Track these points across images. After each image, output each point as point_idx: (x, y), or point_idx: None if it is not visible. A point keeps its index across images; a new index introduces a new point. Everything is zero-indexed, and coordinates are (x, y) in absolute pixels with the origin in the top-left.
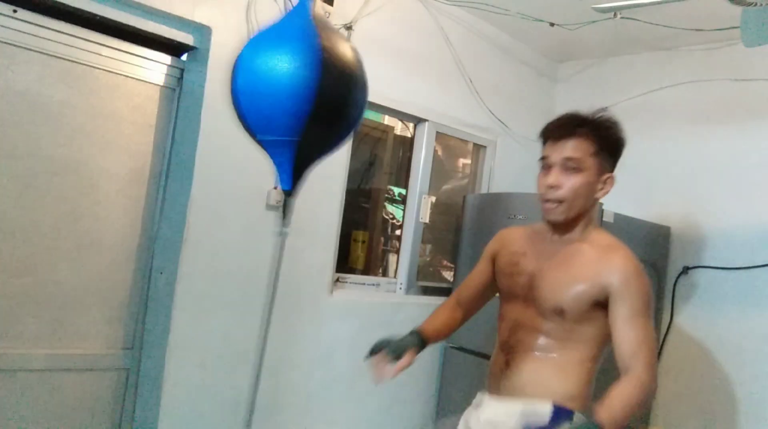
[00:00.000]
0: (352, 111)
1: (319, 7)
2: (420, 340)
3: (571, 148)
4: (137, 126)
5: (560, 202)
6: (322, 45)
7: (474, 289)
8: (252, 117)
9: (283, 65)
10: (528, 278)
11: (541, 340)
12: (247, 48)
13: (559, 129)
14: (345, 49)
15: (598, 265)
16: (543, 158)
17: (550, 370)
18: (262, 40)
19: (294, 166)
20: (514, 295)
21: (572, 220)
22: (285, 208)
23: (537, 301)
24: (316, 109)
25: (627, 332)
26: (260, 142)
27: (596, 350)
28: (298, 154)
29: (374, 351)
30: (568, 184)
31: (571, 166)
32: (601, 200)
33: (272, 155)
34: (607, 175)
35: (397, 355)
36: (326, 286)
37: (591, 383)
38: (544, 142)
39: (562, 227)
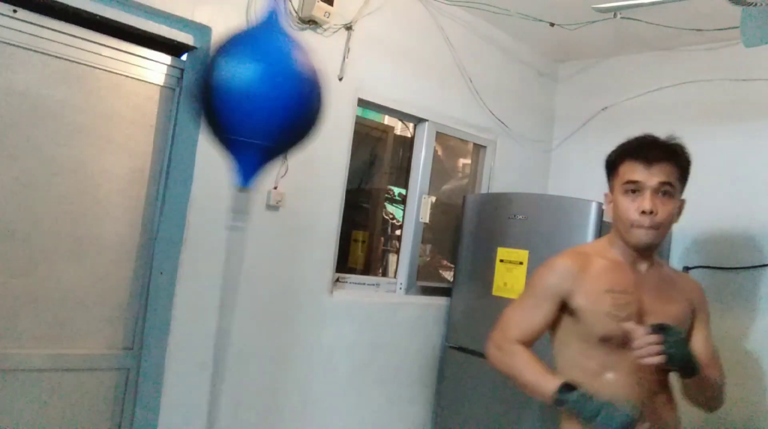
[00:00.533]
0: (319, 120)
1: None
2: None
3: (667, 172)
4: (137, 126)
5: (657, 227)
6: (306, 60)
7: (537, 332)
8: (227, 116)
9: (273, 77)
10: (639, 319)
11: (665, 380)
12: (228, 49)
13: (653, 151)
14: (311, 60)
15: (683, 290)
16: (631, 182)
17: (676, 410)
18: (243, 46)
19: (256, 167)
20: (627, 339)
21: (657, 245)
22: (241, 202)
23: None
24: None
25: (708, 346)
26: (228, 141)
27: None
28: (263, 156)
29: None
30: (664, 209)
31: (665, 192)
32: (600, 200)
33: (237, 154)
34: (682, 200)
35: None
36: (326, 286)
37: None
38: (623, 163)
39: (647, 253)
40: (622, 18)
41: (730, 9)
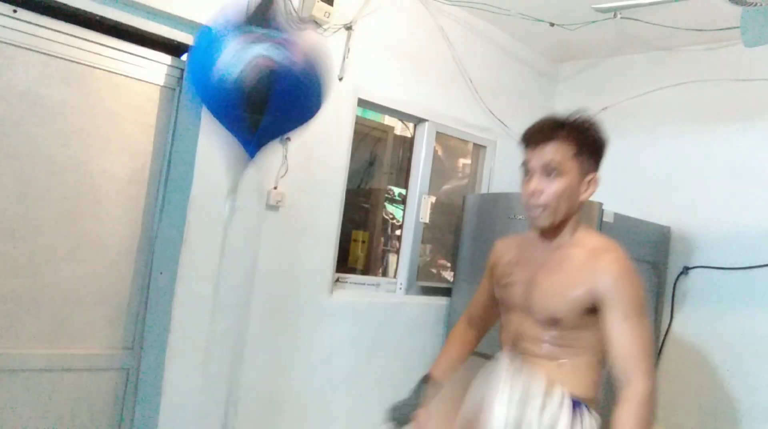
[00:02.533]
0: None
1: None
2: (426, 390)
3: (550, 152)
4: (137, 126)
5: (544, 207)
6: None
7: (482, 305)
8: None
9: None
10: (522, 287)
11: (546, 348)
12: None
13: (537, 134)
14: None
15: (587, 269)
16: (523, 164)
17: (560, 376)
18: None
19: (259, 141)
20: (512, 305)
21: (558, 224)
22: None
23: (533, 311)
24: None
25: (620, 338)
26: (232, 117)
27: (602, 354)
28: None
29: (390, 419)
30: (550, 189)
31: (551, 171)
32: (600, 200)
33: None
34: (591, 176)
35: (402, 423)
36: (326, 286)
37: (600, 387)
38: (525, 148)
39: (550, 232)
40: (622, 18)
41: (730, 9)
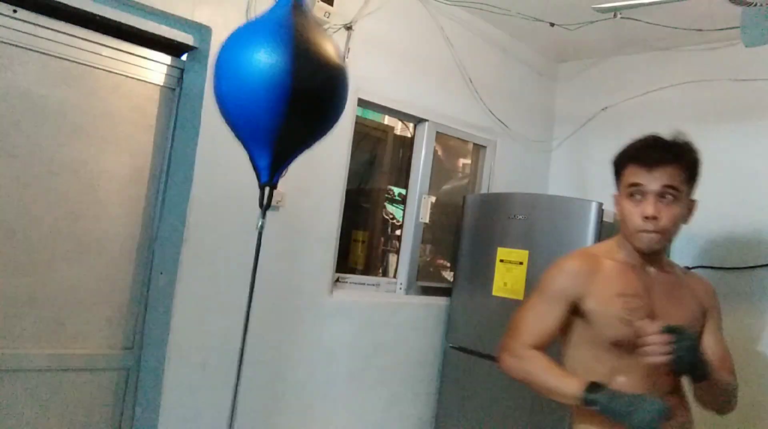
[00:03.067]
0: (330, 104)
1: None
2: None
3: (669, 176)
4: (137, 126)
5: (661, 233)
6: (296, 37)
7: (551, 337)
8: (234, 116)
9: (256, 60)
10: (657, 322)
11: (678, 381)
12: (223, 49)
13: (654, 155)
14: (324, 43)
15: (694, 292)
16: (634, 185)
17: (690, 411)
18: (236, 39)
19: (273, 161)
20: (639, 344)
21: (664, 248)
22: (265, 201)
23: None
24: (293, 102)
25: (721, 347)
26: (243, 141)
27: None
28: (277, 148)
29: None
30: (668, 214)
31: (669, 195)
32: (600, 200)
33: (253, 151)
34: (692, 201)
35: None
36: (326, 286)
37: None
38: (626, 166)
39: (656, 256)
40: (622, 18)
41: (730, 9)
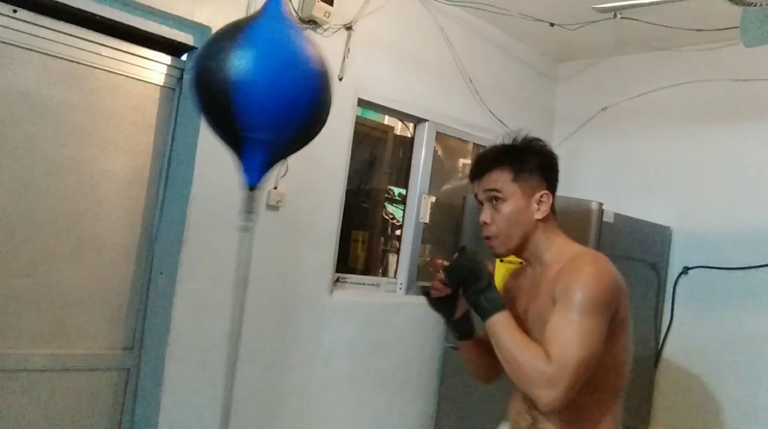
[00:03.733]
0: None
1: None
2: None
3: (490, 181)
4: (137, 126)
5: (495, 236)
6: (318, 55)
7: None
8: (244, 113)
9: (295, 73)
10: (524, 322)
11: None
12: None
13: (476, 167)
14: (321, 54)
15: (550, 282)
16: (475, 197)
17: (581, 414)
18: (248, 39)
19: (264, 164)
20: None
21: (520, 248)
22: (250, 202)
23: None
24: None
25: (555, 328)
26: (241, 139)
27: (600, 378)
28: (273, 153)
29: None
30: (498, 216)
31: (495, 198)
32: (600, 200)
33: (247, 152)
34: (540, 193)
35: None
36: (326, 286)
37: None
38: (471, 184)
39: (526, 258)
40: (622, 18)
41: (730, 9)
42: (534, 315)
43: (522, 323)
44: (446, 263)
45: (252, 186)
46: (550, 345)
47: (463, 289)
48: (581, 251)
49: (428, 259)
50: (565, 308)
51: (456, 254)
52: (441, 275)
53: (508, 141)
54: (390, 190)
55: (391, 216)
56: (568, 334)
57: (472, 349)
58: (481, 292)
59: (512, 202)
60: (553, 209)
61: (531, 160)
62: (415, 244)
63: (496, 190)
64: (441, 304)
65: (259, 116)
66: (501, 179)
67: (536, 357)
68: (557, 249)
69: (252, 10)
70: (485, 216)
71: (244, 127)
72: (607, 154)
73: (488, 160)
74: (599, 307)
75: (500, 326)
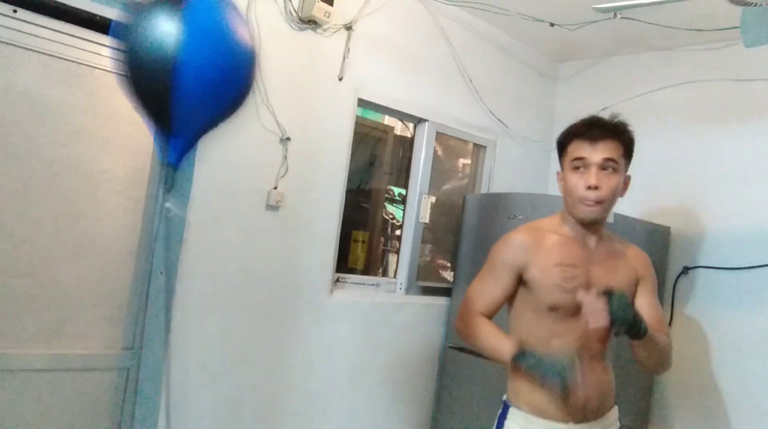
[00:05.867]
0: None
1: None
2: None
3: (609, 149)
4: (137, 126)
5: (601, 202)
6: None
7: (497, 304)
8: (182, 94)
9: (231, 54)
10: (586, 290)
11: (605, 348)
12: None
13: (595, 129)
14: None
15: (629, 260)
16: (578, 159)
17: (612, 375)
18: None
19: (189, 143)
20: (574, 309)
21: (604, 219)
22: (171, 180)
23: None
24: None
25: (654, 310)
26: (171, 118)
27: None
28: (199, 133)
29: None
30: (608, 184)
31: (609, 168)
32: None
33: (176, 131)
34: (628, 176)
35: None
36: (326, 286)
37: None
38: (571, 143)
39: (596, 227)
40: (622, 18)
41: (730, 9)
42: (620, 282)
43: (580, 270)
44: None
45: (175, 165)
46: (660, 324)
47: (627, 332)
48: (616, 235)
49: (428, 259)
50: (654, 291)
51: (611, 299)
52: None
53: (610, 117)
54: (390, 190)
55: (391, 216)
56: (659, 309)
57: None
58: (643, 333)
59: (619, 177)
60: None
61: (632, 141)
62: (415, 244)
63: (614, 160)
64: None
65: (197, 98)
66: (618, 151)
67: (670, 342)
68: (606, 229)
69: (252, 11)
70: (597, 180)
71: (180, 107)
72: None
73: (609, 128)
74: None
75: (654, 337)
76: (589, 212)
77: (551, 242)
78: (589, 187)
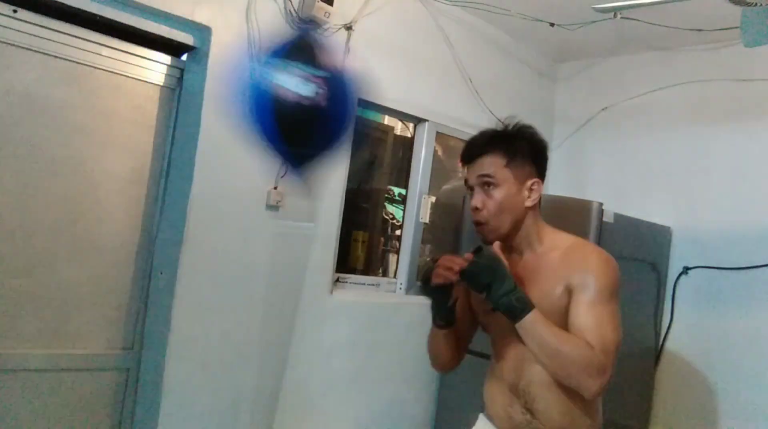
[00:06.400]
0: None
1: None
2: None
3: (484, 165)
4: (137, 126)
5: (487, 222)
6: None
7: (463, 326)
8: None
9: None
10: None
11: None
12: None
13: (469, 150)
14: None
15: (560, 268)
16: (466, 183)
17: (572, 397)
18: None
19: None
20: (504, 330)
21: (510, 235)
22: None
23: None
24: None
25: (586, 319)
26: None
27: None
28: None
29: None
30: (491, 202)
31: (487, 184)
32: (600, 200)
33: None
34: (531, 181)
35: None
36: (326, 286)
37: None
38: (463, 167)
39: (512, 246)
40: (622, 18)
41: (730, 9)
42: (540, 301)
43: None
44: (466, 258)
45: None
46: (587, 333)
47: (487, 291)
48: (575, 239)
49: (428, 258)
50: (588, 296)
51: (472, 254)
52: (449, 262)
53: (499, 127)
54: (390, 190)
55: (391, 216)
56: (601, 320)
57: (450, 337)
58: (511, 293)
59: (505, 188)
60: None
61: (524, 146)
62: (415, 244)
63: (488, 175)
64: (438, 292)
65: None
66: (494, 164)
67: (582, 347)
68: (549, 236)
69: (252, 11)
70: (476, 201)
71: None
72: (607, 154)
73: (480, 144)
74: (616, 290)
75: (539, 324)
76: (483, 235)
77: None
78: (473, 209)
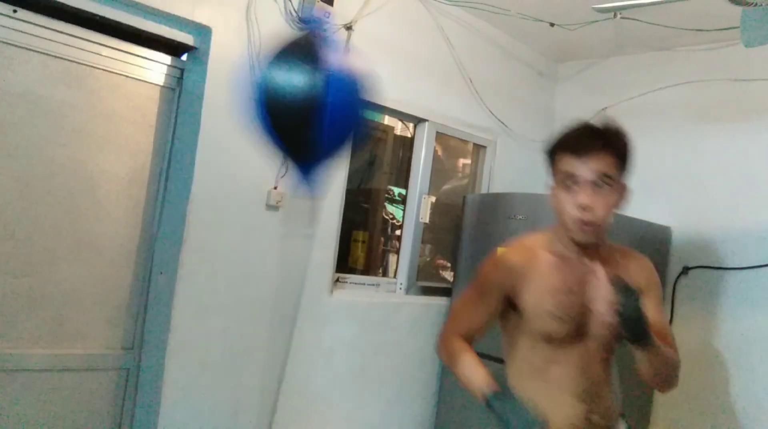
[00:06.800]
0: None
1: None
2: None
3: (602, 163)
4: (137, 126)
5: (595, 223)
6: None
7: (481, 328)
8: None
9: None
10: (583, 316)
11: (609, 367)
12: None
13: (585, 142)
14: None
15: (633, 276)
16: (568, 175)
17: (616, 394)
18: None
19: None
20: (571, 337)
21: (601, 239)
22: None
23: (599, 336)
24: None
25: (660, 323)
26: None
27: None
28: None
29: None
30: (602, 203)
31: (603, 184)
32: None
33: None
34: (625, 187)
35: None
36: (326, 286)
37: None
38: (559, 155)
39: (594, 245)
40: (622, 18)
41: (730, 9)
42: None
43: (578, 318)
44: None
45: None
46: (666, 338)
47: (632, 334)
48: (613, 243)
49: (428, 259)
50: (657, 298)
51: (624, 297)
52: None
53: (602, 125)
54: (390, 190)
55: (391, 216)
56: (666, 320)
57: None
58: (651, 340)
59: (616, 193)
60: None
61: (629, 150)
62: (415, 244)
63: (609, 176)
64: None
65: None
66: (612, 165)
67: (677, 351)
68: (607, 240)
69: (252, 11)
70: (589, 199)
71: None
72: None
73: (601, 140)
74: None
75: (658, 341)
76: (582, 234)
77: (544, 264)
78: (581, 207)
